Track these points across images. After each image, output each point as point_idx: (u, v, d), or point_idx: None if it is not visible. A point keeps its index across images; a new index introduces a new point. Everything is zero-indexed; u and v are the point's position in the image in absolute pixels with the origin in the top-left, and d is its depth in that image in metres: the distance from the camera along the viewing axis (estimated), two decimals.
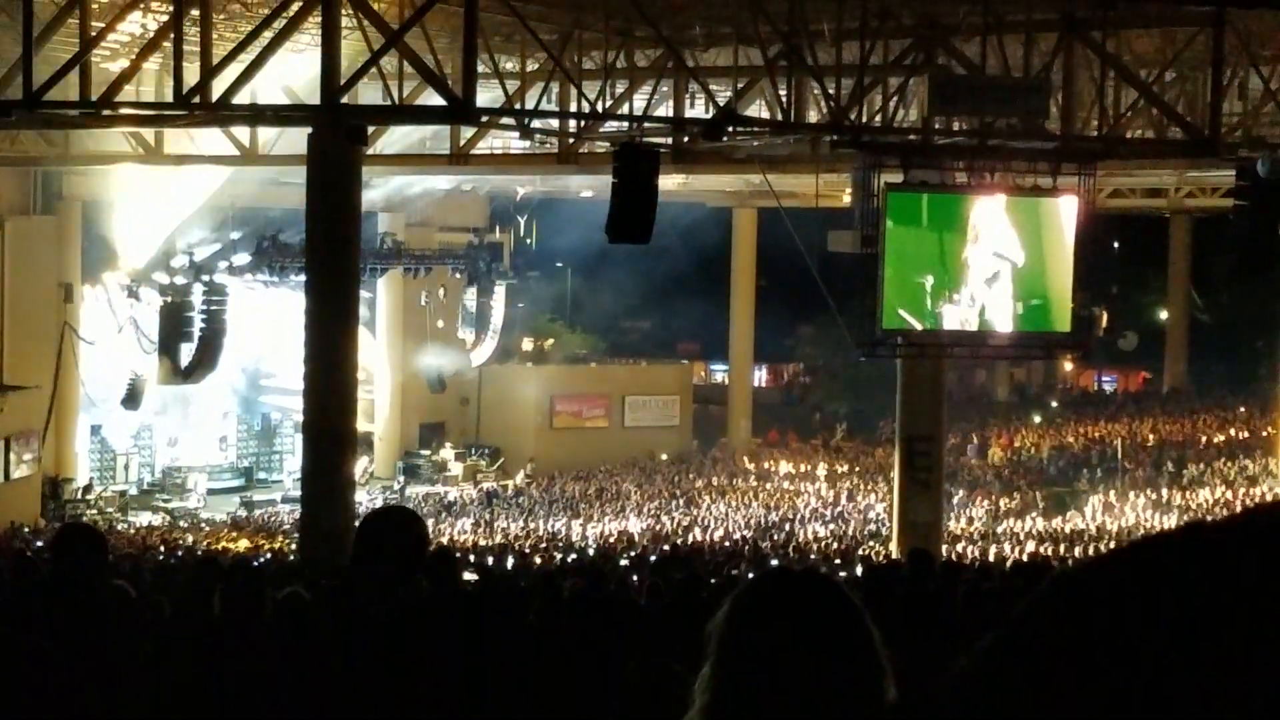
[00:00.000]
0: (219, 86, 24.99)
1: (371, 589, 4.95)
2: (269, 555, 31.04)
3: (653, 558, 28.89)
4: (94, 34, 26.37)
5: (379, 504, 46.79)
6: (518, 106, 31.50)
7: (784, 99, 28.20)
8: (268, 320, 49.72)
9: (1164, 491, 44.62)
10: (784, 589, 2.62)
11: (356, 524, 5.22)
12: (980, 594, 11.73)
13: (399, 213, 51.04)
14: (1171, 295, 65.39)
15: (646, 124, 30.35)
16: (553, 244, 56.80)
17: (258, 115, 29.64)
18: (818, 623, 2.53)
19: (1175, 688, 0.99)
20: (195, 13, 25.80)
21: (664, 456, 55.66)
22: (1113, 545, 29.02)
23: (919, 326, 27.85)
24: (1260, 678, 0.98)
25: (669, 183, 34.72)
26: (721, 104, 28.06)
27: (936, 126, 28.66)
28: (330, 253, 24.88)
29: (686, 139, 31.17)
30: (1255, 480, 43.58)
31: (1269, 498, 39.26)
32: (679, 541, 36.65)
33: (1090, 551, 32.22)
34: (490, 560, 28.44)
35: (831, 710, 2.47)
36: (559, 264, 66.26)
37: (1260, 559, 1.02)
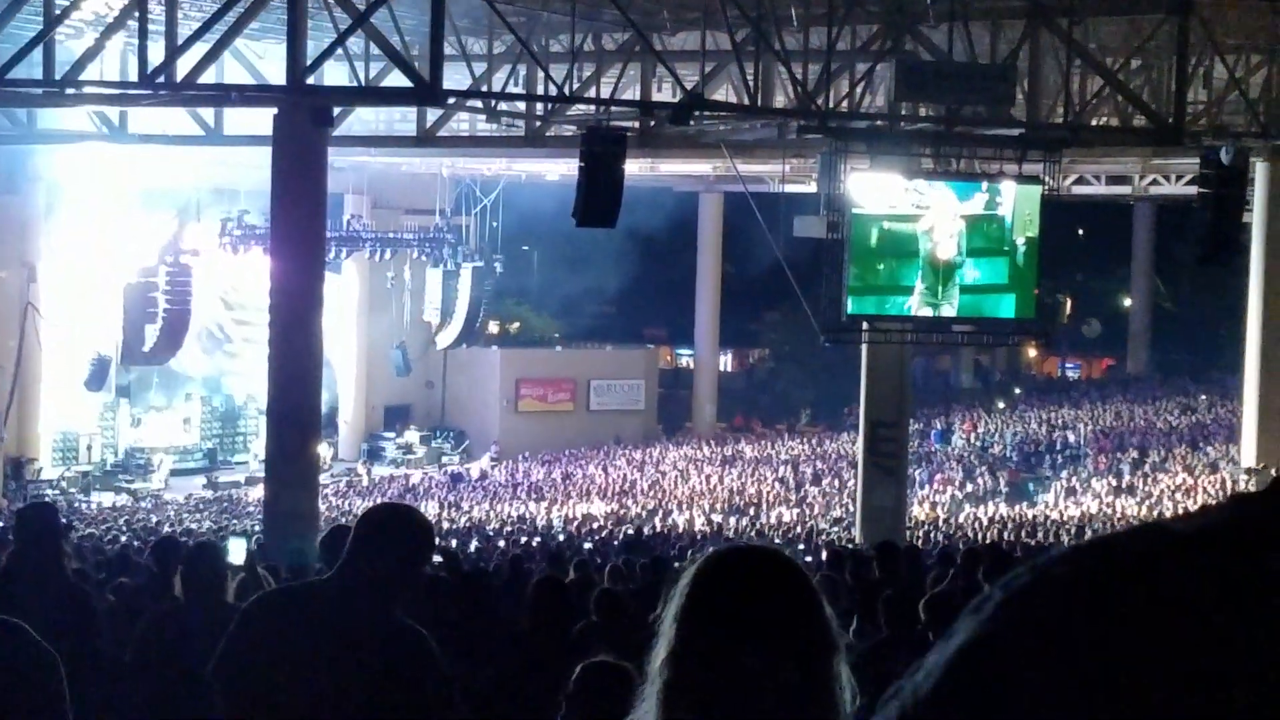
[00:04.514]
0: (184, 66, 24.89)
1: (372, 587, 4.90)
2: (232, 536, 30.91)
3: (616, 541, 28.95)
4: (58, 12, 26.23)
5: (343, 486, 46.82)
6: (484, 89, 31.45)
7: (751, 84, 28.21)
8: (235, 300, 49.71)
9: (1126, 478, 44.82)
10: (737, 563, 2.67)
11: (355, 517, 5.10)
12: (944, 581, 11.79)
13: (365, 194, 50.93)
14: (1135, 282, 65.68)
15: (613, 107, 30.33)
16: (519, 227, 56.69)
17: (223, 95, 29.51)
18: (769, 596, 2.57)
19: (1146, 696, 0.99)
20: None
21: (619, 442, 55.58)
22: (1080, 537, 28.79)
23: (885, 307, 27.94)
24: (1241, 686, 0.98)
25: (635, 167, 34.72)
26: (688, 88, 28.05)
27: (903, 112, 28.73)
28: (296, 234, 24.83)
29: (653, 123, 31.17)
30: (1216, 467, 43.78)
31: (1229, 484, 39.45)
32: (643, 525, 36.69)
33: (1051, 537, 32.34)
34: (455, 543, 28.43)
35: (783, 682, 2.51)
36: (525, 247, 66.16)
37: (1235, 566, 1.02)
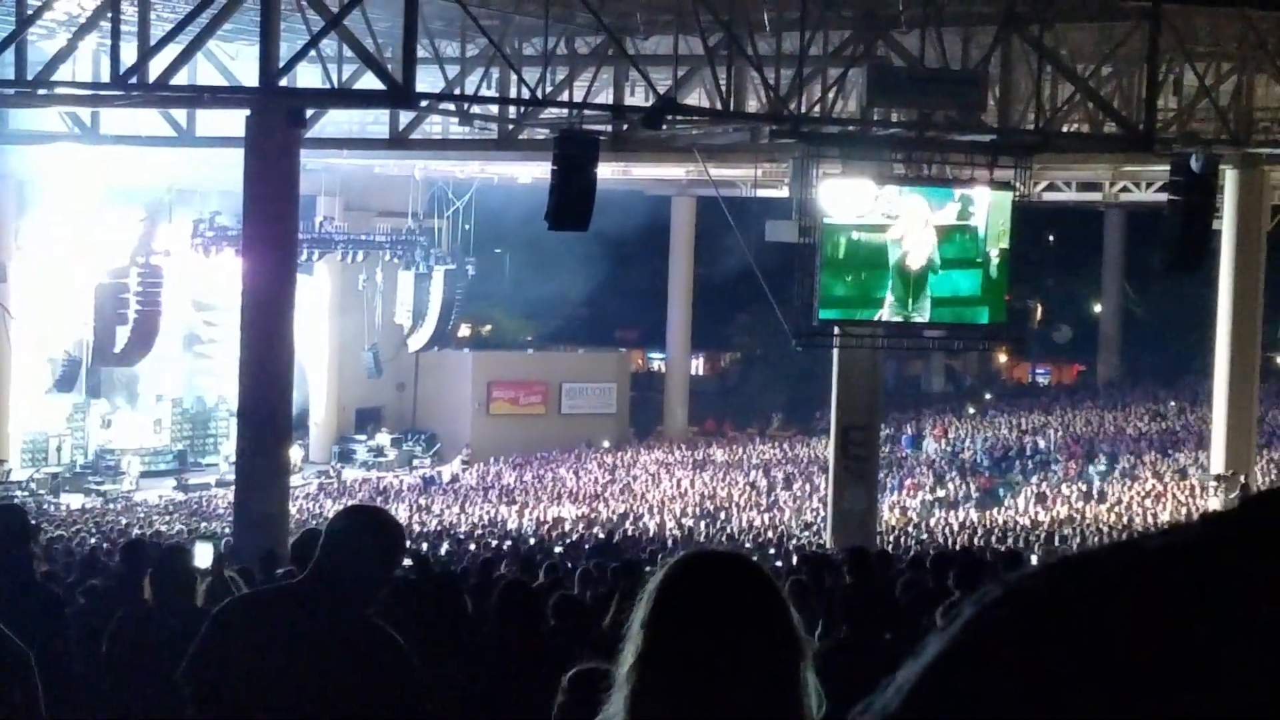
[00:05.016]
0: (157, 67, 24.82)
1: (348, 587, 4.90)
2: (199, 540, 30.78)
3: (587, 546, 28.95)
4: (31, 12, 26.14)
5: (314, 489, 46.71)
6: (457, 91, 31.41)
7: (724, 88, 28.23)
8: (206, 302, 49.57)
9: (1096, 484, 44.97)
10: (704, 568, 2.67)
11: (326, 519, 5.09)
12: (915, 586, 11.81)
13: (337, 196, 50.83)
14: (1105, 289, 65.88)
15: (586, 111, 30.32)
16: (491, 230, 56.67)
17: (196, 97, 29.44)
18: (736, 601, 2.58)
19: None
20: None
21: (606, 444, 55.70)
22: (1052, 550, 28.77)
23: (855, 316, 27.99)
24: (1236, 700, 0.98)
25: (608, 170, 34.72)
26: (661, 92, 28.07)
27: (875, 118, 28.77)
28: (268, 236, 24.77)
29: (626, 127, 31.15)
30: (1185, 473, 43.95)
31: (1199, 491, 39.59)
32: (614, 529, 36.69)
33: (1021, 542, 32.45)
34: (425, 546, 28.39)
35: (750, 688, 2.52)
36: (497, 250, 66.11)
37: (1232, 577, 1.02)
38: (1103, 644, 1.00)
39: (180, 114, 33.92)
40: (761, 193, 38.01)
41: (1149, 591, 1.02)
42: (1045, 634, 1.02)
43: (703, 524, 39.96)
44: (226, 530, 31.68)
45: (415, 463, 53.67)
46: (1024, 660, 1.02)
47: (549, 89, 30.72)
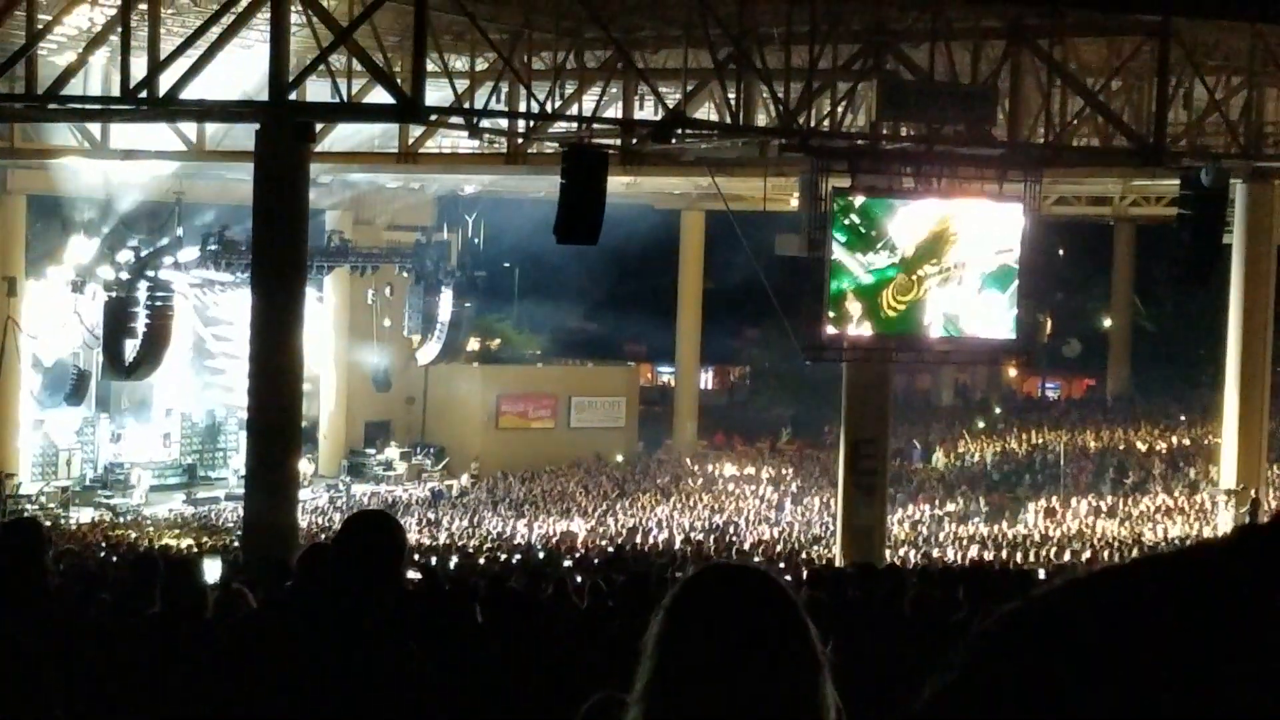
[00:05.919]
0: (166, 81, 24.87)
1: (355, 593, 4.91)
2: (208, 555, 30.79)
3: (596, 559, 28.92)
4: (41, 26, 26.22)
5: (323, 502, 46.72)
6: (467, 106, 31.46)
7: (733, 102, 28.26)
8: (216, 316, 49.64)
9: (1106, 498, 44.88)
10: (721, 582, 2.62)
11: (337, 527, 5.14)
12: (924, 600, 11.78)
13: (347, 210, 50.86)
14: (1115, 303, 65.78)
15: (595, 125, 30.35)
16: (501, 244, 56.71)
17: (205, 111, 29.52)
18: (754, 616, 2.53)
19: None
20: (143, 7, 25.68)
21: (620, 458, 55.68)
22: (1060, 570, 28.74)
23: (864, 330, 27.98)
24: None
25: (617, 184, 34.75)
26: (670, 106, 28.09)
27: (884, 131, 28.79)
28: (277, 250, 24.80)
29: (635, 141, 31.19)
30: (1195, 487, 43.85)
31: (1209, 505, 39.50)
32: (623, 543, 36.64)
33: (1032, 557, 32.39)
34: (434, 560, 28.38)
35: (769, 703, 2.48)
36: (506, 264, 66.15)
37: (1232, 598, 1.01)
38: (1130, 665, 0.99)
39: (189, 128, 33.99)
40: (771, 206, 38.07)
41: (1176, 613, 1.01)
42: (1063, 653, 1.02)
43: (712, 538, 39.91)
44: (235, 544, 31.70)
45: (424, 476, 53.65)
46: (1044, 677, 1.01)
47: (558, 103, 30.76)
